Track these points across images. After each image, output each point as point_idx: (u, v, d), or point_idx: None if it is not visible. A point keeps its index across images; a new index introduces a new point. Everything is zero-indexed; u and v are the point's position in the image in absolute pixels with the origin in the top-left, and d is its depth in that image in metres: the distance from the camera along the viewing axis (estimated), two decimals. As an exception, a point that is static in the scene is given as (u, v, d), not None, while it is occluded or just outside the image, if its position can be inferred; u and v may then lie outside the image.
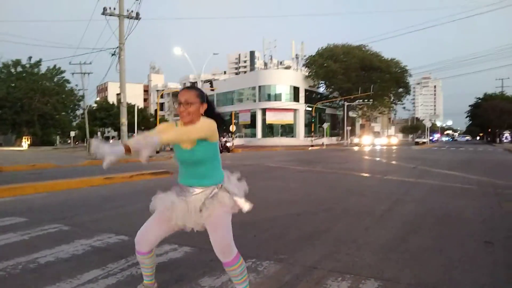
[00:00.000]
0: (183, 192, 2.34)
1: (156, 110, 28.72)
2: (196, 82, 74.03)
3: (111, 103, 55.09)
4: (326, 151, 30.55)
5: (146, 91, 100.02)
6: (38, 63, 47.23)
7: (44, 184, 7.52)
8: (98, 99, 74.11)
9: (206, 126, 2.22)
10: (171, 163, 16.46)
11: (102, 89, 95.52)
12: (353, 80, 51.50)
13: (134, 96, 58.88)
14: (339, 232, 4.40)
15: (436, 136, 68.38)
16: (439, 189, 7.94)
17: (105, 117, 52.00)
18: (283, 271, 3.12)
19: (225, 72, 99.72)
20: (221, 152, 12.94)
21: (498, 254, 3.59)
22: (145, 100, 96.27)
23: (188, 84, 77.13)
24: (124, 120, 22.95)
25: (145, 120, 58.57)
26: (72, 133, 48.83)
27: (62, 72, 49.11)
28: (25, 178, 8.73)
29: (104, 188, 7.98)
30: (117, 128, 41.18)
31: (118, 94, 24.07)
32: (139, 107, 52.76)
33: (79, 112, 52.99)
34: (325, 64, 52.30)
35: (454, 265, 3.26)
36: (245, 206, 2.35)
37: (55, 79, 49.28)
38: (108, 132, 64.32)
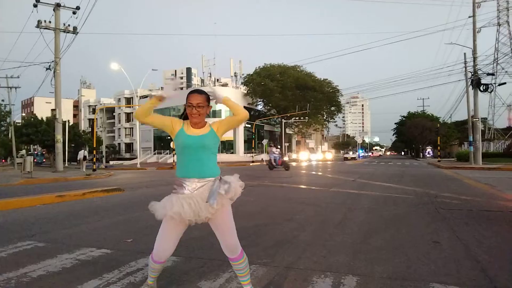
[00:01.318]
0: (183, 188, 2.47)
1: (93, 126, 27.62)
2: (132, 97, 72.18)
3: (39, 118, 51.62)
4: (267, 166, 31.30)
5: (76, 106, 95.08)
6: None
7: (-8, 204, 7.12)
8: (23, 114, 68.98)
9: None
10: (111, 181, 16.03)
11: (27, 104, 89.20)
12: (289, 98, 53.47)
13: (64, 112, 55.61)
14: (307, 238, 4.81)
15: (361, 152, 72.42)
16: (382, 198, 8.74)
17: (32, 133, 48.60)
18: (270, 272, 3.44)
19: (161, 88, 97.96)
20: (271, 168, 12.92)
21: (446, 251, 4.19)
22: (74, 116, 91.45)
23: (123, 100, 74.95)
24: (59, 137, 21.94)
25: (76, 137, 55.68)
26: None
27: (-16, 85, 45.21)
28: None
29: (59, 206, 7.71)
30: (45, 145, 38.75)
31: (53, 110, 22.89)
32: (70, 124, 50.03)
33: (3, 129, 48.92)
34: (262, 83, 53.74)
35: (413, 261, 3.79)
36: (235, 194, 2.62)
37: (-24, 93, 45.32)
38: (34, 149, 60.17)
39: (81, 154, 27.19)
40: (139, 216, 6.44)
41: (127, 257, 3.86)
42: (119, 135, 77.26)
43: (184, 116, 2.64)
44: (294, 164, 36.31)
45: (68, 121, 38.43)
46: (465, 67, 25.59)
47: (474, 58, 23.76)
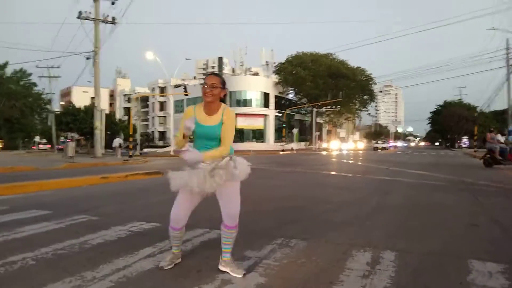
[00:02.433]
0: (196, 164, 2.72)
1: (129, 114, 28.51)
2: (166, 87, 73.66)
3: (77, 107, 53.77)
4: (298, 155, 31.41)
5: (111, 95, 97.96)
6: (3, 66, 45.48)
7: (47, 183, 7.68)
8: (62, 103, 71.86)
9: (234, 123, 2.79)
10: (149, 166, 16.60)
11: (65, 94, 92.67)
12: (320, 87, 52.92)
13: (101, 101, 57.41)
14: (345, 218, 4.96)
15: (392, 143, 70.44)
16: (417, 185, 8.72)
17: (71, 121, 50.74)
18: (311, 245, 3.62)
19: (195, 77, 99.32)
20: (490, 165, 14.28)
21: (483, 233, 4.23)
22: (110, 105, 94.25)
23: (157, 89, 76.62)
24: (98, 124, 22.80)
25: (112, 125, 57.45)
26: (37, 138, 47.24)
27: (29, 75, 47.58)
28: (15, 178, 8.76)
29: (105, 186, 8.21)
30: (83, 133, 40.30)
31: (92, 98, 23.87)
32: (106, 112, 51.79)
33: (50, 117, 51.33)
34: (294, 71, 53.41)
35: (450, 240, 3.88)
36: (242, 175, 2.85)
37: (21, 82, 47.58)
38: (71, 136, 62.74)
39: (117, 142, 28.08)
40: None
41: (176, 229, 4.15)
42: (153, 124, 79.27)
43: None
44: (324, 153, 36.15)
45: (104, 110, 39.76)
46: (507, 54, 24.54)
47: (517, 44, 22.72)
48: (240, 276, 2.77)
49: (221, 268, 2.88)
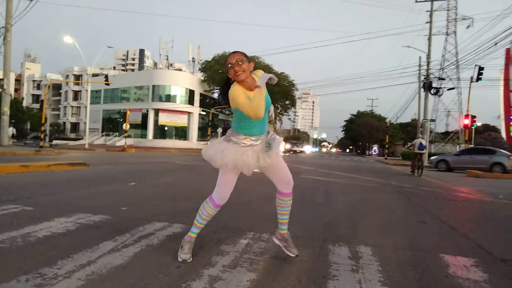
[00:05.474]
0: (251, 144, 2.66)
1: (42, 102, 25.90)
2: (82, 75, 68.47)
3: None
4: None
5: (18, 80, 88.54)
6: None
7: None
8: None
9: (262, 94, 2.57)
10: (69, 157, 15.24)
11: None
12: (246, 88, 53.39)
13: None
14: (302, 215, 4.88)
15: (310, 147, 73.96)
16: (351, 186, 9.05)
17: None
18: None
19: (114, 68, 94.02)
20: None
21: (436, 230, 4.44)
22: (16, 90, 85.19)
23: (72, 77, 70.75)
24: (6, 109, 20.36)
25: (18, 112, 51.89)
26: None
27: None
28: None
29: (27, 176, 7.23)
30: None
31: (1, 80, 21.18)
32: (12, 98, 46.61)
33: None
34: (220, 71, 53.20)
35: (411, 236, 3.98)
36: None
37: None
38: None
39: (10, 131, 25.51)
40: (122, 188, 6.23)
41: (132, 223, 3.71)
42: (65, 114, 72.99)
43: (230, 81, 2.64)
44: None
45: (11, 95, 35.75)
46: (419, 70, 27.08)
47: (428, 63, 25.18)
48: (294, 255, 2.81)
49: (276, 241, 2.95)
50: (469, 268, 2.92)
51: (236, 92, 2.48)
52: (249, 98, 2.47)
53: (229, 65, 2.53)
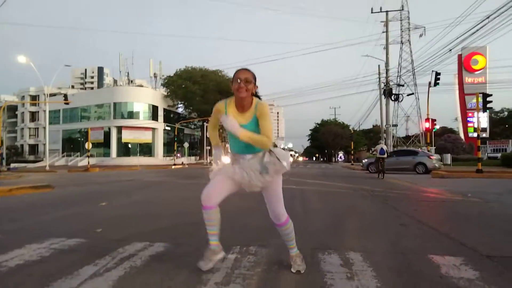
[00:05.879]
0: (236, 160, 2.68)
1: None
2: (38, 95, 65.80)
3: None
4: (191, 169, 30.74)
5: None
6: None
7: None
8: None
9: (269, 116, 2.58)
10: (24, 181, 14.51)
11: None
12: (211, 102, 53.21)
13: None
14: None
15: None
16: (324, 192, 9.08)
17: None
18: (273, 252, 3.37)
19: (73, 87, 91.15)
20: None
21: (417, 231, 4.49)
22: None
23: (28, 97, 67.77)
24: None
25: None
26: None
27: None
28: None
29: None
30: None
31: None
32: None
33: None
34: (183, 85, 52.83)
35: (395, 240, 3.99)
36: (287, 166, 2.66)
37: None
38: None
39: None
40: (93, 209, 5.92)
41: (110, 244, 3.49)
42: (22, 136, 69.71)
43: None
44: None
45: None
46: (379, 78, 28.04)
47: (387, 70, 26.14)
48: (301, 271, 2.77)
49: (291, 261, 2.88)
50: (460, 267, 2.94)
51: (215, 109, 2.70)
52: (225, 116, 2.51)
53: (238, 79, 2.50)
